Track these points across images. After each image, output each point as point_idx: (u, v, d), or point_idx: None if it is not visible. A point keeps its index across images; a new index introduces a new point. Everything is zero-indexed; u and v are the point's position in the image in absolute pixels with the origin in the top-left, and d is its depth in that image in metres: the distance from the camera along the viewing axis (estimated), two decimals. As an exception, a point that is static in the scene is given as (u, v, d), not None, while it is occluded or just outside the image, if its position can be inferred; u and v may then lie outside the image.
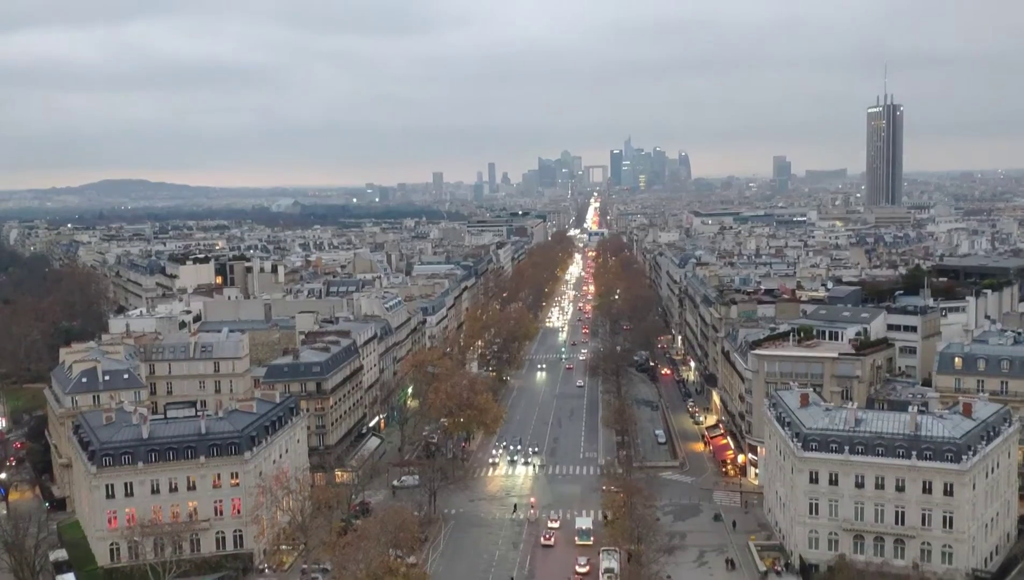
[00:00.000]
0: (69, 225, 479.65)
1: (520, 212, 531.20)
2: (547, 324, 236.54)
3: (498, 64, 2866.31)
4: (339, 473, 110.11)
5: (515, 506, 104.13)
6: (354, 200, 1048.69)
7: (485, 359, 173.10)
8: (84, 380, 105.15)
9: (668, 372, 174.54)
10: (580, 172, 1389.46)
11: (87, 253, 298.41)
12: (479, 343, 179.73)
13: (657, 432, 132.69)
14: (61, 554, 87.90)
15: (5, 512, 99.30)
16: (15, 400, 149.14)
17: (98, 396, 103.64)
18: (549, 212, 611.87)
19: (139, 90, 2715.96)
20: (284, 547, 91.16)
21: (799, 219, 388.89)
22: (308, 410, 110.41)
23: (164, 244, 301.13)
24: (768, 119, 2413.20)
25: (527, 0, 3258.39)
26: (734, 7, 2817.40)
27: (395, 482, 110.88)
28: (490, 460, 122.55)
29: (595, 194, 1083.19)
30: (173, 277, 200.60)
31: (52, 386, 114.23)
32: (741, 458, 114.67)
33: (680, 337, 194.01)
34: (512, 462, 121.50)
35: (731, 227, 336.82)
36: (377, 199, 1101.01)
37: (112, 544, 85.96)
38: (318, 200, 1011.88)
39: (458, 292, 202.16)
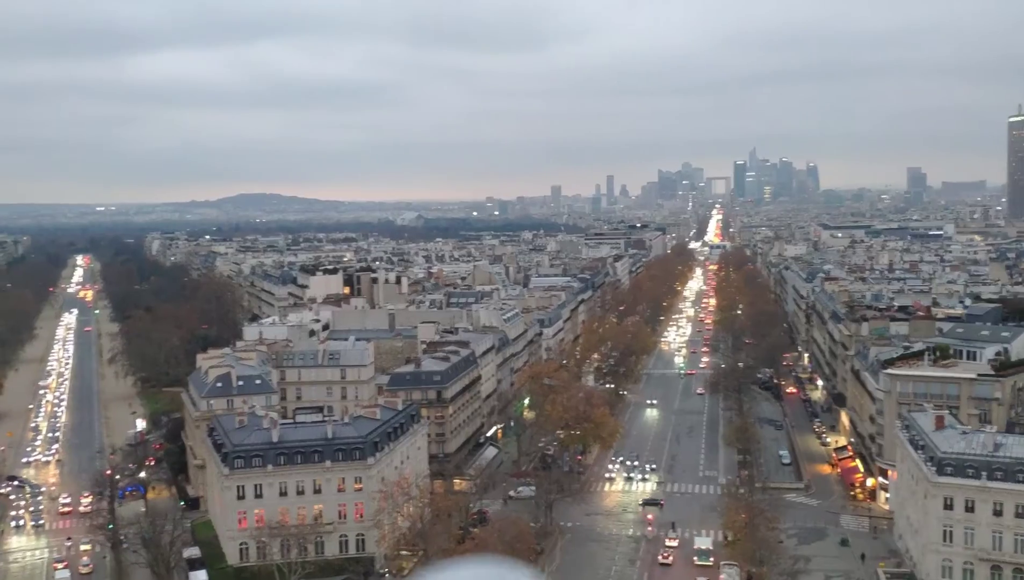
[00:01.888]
0: (207, 237, 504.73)
1: (639, 225, 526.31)
2: (666, 338, 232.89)
3: (616, 77, 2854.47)
4: (457, 481, 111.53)
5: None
6: (474, 213, 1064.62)
7: (601, 373, 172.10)
8: (219, 385, 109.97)
9: (794, 391, 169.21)
10: (702, 184, 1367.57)
11: (223, 263, 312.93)
12: (595, 356, 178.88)
13: (781, 452, 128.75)
14: (194, 552, 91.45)
15: (144, 510, 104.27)
16: (154, 403, 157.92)
17: (232, 400, 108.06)
18: (669, 224, 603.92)
19: (268, 108, 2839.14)
20: (404, 552, 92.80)
21: (935, 233, 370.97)
22: (428, 418, 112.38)
23: (296, 255, 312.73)
24: (901, 129, 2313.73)
25: (644, 12, 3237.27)
26: (859, 14, 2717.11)
27: (512, 492, 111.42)
28: (606, 474, 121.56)
29: (717, 206, 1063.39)
30: (304, 287, 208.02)
31: (189, 390, 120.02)
32: (870, 481, 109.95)
33: (807, 354, 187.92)
34: (629, 478, 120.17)
35: (862, 241, 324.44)
36: (496, 212, 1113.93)
37: (241, 544, 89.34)
38: (440, 213, 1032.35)
39: (575, 305, 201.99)
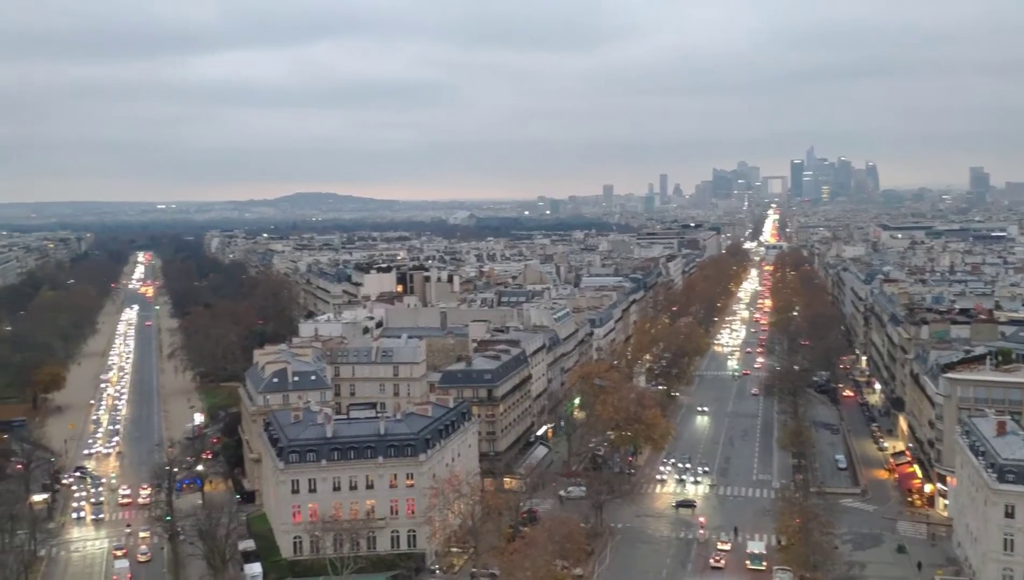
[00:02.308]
0: (264, 235, 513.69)
1: (692, 224, 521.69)
2: (719, 341, 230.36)
3: (668, 75, 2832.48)
4: (508, 480, 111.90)
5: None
6: (526, 213, 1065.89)
7: (653, 374, 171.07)
8: (275, 380, 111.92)
9: (851, 394, 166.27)
10: (757, 183, 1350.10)
11: (280, 261, 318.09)
12: (647, 357, 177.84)
13: (837, 457, 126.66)
14: (249, 544, 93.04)
15: (201, 502, 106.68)
16: (212, 397, 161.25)
17: (287, 395, 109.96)
18: (723, 224, 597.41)
19: (325, 108, 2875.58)
20: (455, 549, 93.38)
21: (998, 234, 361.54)
22: (479, 416, 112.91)
23: (350, 254, 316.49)
24: (963, 128, 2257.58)
25: (696, 11, 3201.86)
26: (916, 11, 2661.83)
27: (562, 492, 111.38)
28: (658, 476, 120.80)
29: (773, 206, 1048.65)
30: (358, 285, 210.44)
31: (246, 385, 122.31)
32: (929, 488, 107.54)
33: (864, 358, 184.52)
34: (681, 480, 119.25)
35: (923, 242, 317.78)
36: (548, 212, 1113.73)
37: (295, 537, 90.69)
38: (492, 213, 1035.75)
39: (626, 305, 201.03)
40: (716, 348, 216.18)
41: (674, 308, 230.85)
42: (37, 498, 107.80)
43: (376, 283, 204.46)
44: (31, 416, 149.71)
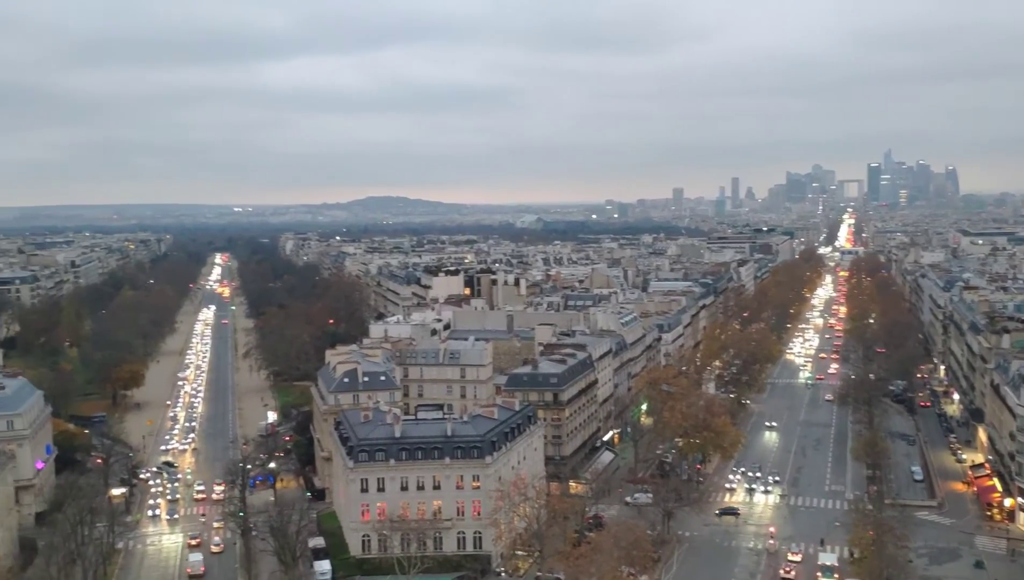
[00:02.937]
0: (337, 238, 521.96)
1: (765, 228, 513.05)
2: (791, 347, 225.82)
3: (739, 77, 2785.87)
4: (573, 484, 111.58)
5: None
6: (593, 216, 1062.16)
7: (723, 380, 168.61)
8: (346, 380, 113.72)
9: (927, 404, 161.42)
10: (832, 187, 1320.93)
11: (352, 263, 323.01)
12: (717, 363, 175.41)
13: (913, 468, 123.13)
14: (319, 542, 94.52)
15: (272, 499, 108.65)
16: (286, 396, 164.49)
17: (357, 395, 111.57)
18: (797, 229, 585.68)
19: (396, 113, 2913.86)
20: (520, 553, 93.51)
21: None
22: (545, 420, 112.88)
23: (420, 256, 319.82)
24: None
25: (767, 12, 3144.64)
26: (997, 11, 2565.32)
27: (628, 498, 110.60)
28: (727, 485, 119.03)
29: (849, 210, 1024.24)
30: (427, 287, 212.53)
31: (318, 384, 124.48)
32: (1009, 502, 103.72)
33: (943, 367, 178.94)
34: (750, 489, 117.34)
35: (1005, 248, 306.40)
36: (616, 215, 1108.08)
37: (364, 536, 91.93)
38: (559, 216, 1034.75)
39: (695, 310, 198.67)
40: (788, 357, 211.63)
41: (745, 314, 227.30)
42: (116, 492, 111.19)
43: (444, 286, 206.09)
44: (111, 412, 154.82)
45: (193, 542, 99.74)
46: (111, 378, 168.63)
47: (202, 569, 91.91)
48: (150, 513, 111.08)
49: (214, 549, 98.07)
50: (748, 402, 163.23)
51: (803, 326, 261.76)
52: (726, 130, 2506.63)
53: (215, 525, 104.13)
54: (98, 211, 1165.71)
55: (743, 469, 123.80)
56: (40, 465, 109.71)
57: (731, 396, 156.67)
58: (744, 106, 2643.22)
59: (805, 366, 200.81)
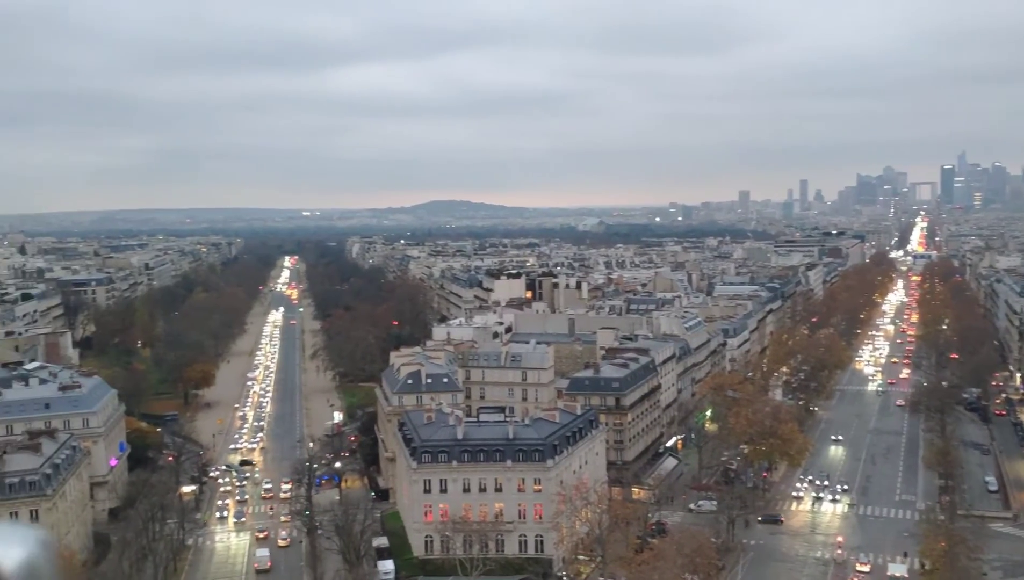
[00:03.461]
0: (402, 241, 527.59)
1: (834, 231, 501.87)
2: (860, 357, 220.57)
3: (807, 78, 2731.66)
4: (636, 490, 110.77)
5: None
6: (657, 219, 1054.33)
7: (790, 386, 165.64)
8: (409, 381, 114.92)
9: (1002, 413, 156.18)
10: (904, 189, 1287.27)
11: (416, 266, 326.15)
12: (784, 369, 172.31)
13: (987, 478, 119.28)
14: (382, 541, 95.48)
15: (338, 498, 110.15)
16: (351, 397, 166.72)
17: (421, 397, 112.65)
18: (867, 232, 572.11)
19: (461, 117, 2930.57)
20: (581, 557, 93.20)
21: None
22: (607, 424, 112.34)
23: (482, 260, 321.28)
24: None
25: (834, 12, 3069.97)
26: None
27: (692, 505, 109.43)
28: (793, 493, 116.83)
29: (921, 213, 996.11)
30: (489, 290, 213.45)
31: (382, 385, 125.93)
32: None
33: (1019, 374, 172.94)
34: (818, 497, 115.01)
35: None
36: (680, 218, 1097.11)
37: (427, 536, 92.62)
38: (622, 219, 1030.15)
39: (762, 314, 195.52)
40: (857, 365, 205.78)
41: (814, 319, 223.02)
42: (186, 489, 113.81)
43: (506, 289, 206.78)
44: (182, 411, 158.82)
45: (260, 535, 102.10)
46: (183, 378, 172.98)
47: (268, 564, 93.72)
48: (218, 515, 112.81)
49: (281, 543, 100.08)
50: (816, 409, 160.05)
51: (873, 333, 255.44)
52: (794, 131, 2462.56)
53: (282, 519, 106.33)
54: (172, 215, 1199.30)
55: (810, 477, 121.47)
56: (114, 462, 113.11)
57: (798, 403, 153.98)
58: (813, 107, 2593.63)
59: (875, 375, 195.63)
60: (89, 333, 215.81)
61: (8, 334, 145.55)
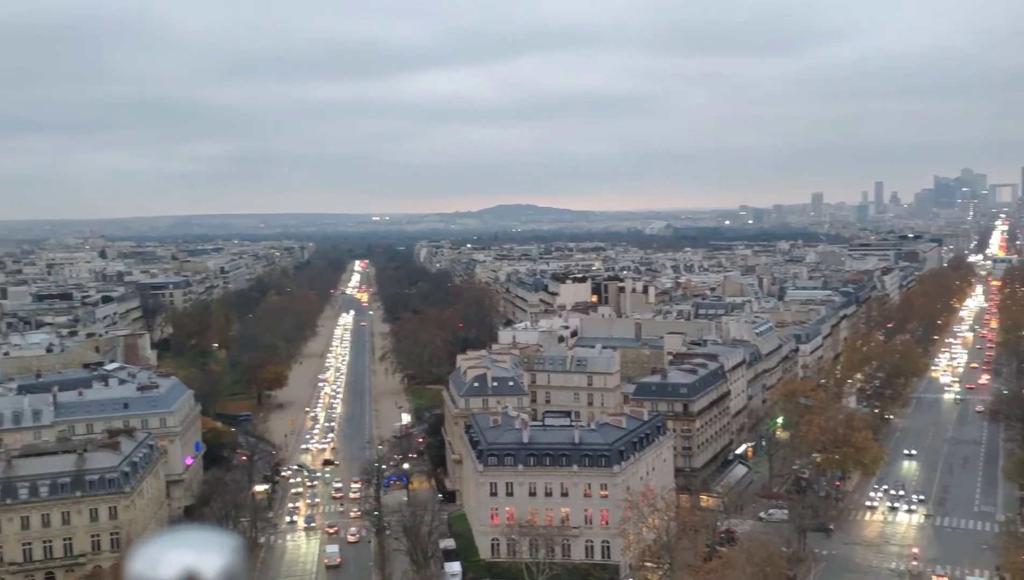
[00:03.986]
0: (468, 245, 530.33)
1: (910, 235, 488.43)
2: (938, 363, 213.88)
3: (882, 77, 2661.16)
4: (704, 497, 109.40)
5: None
6: (726, 222, 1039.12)
7: (865, 394, 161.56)
8: (476, 384, 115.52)
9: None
10: (984, 191, 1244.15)
11: (482, 270, 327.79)
12: (858, 376, 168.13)
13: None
14: (449, 543, 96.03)
15: (406, 499, 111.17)
16: (419, 399, 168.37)
17: (487, 400, 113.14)
18: (945, 235, 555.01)
19: (527, 122, 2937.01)
20: (649, 564, 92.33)
21: None
22: (674, 430, 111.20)
23: (547, 264, 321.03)
24: None
25: (911, 9, 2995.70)
26: None
27: (762, 514, 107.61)
28: (867, 503, 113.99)
29: (1002, 216, 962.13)
30: (554, 294, 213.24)
31: (449, 388, 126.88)
32: None
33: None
34: (893, 508, 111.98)
35: None
36: (750, 221, 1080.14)
37: (493, 539, 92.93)
38: (690, 222, 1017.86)
39: (835, 320, 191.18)
40: (933, 374, 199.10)
41: (889, 325, 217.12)
42: (259, 488, 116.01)
43: (571, 293, 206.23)
44: (256, 411, 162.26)
45: (331, 531, 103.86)
46: (256, 379, 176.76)
47: (338, 560, 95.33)
48: (288, 519, 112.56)
49: (350, 539, 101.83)
50: (891, 417, 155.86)
51: (951, 339, 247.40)
52: (868, 132, 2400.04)
53: (352, 514, 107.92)
54: (246, 220, 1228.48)
55: (885, 487, 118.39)
56: (190, 461, 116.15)
57: (873, 410, 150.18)
58: (887, 107, 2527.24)
59: (952, 384, 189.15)
60: (167, 335, 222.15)
61: (89, 335, 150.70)
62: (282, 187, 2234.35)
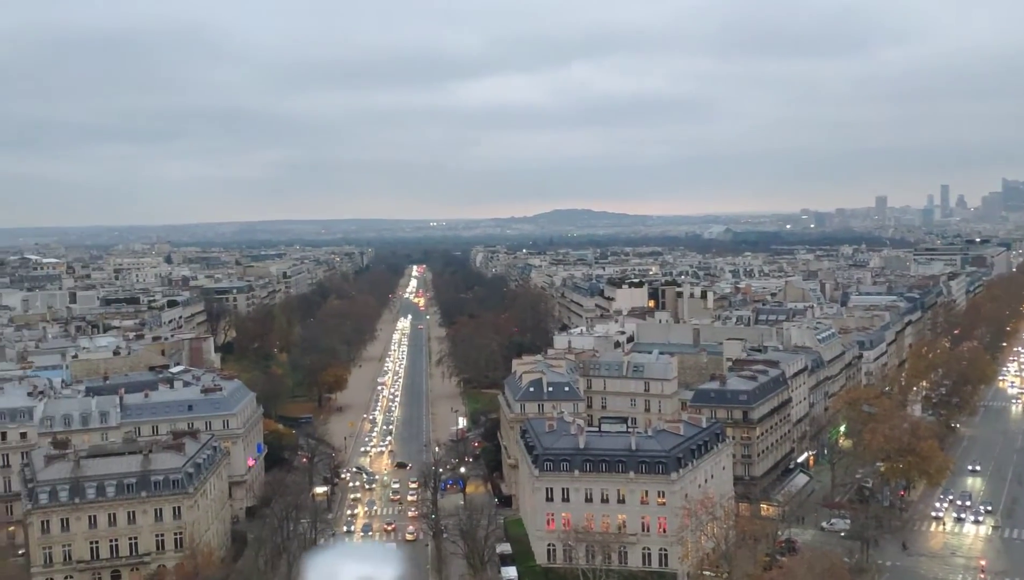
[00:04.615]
0: (524, 250, 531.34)
1: (978, 239, 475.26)
2: (1007, 368, 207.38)
3: (947, 79, 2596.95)
4: (764, 506, 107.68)
5: None
6: (787, 226, 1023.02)
7: (930, 402, 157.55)
8: (531, 389, 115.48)
9: None
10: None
11: (538, 275, 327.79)
12: (923, 384, 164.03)
13: None
14: (506, 548, 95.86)
15: (462, 503, 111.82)
16: (475, 403, 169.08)
17: (542, 405, 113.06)
18: (1015, 240, 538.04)
19: (582, 127, 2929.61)
20: (707, 573, 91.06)
21: None
22: (733, 438, 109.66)
23: (603, 269, 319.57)
24: None
25: (976, 9, 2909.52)
26: None
27: (824, 524, 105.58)
28: (932, 513, 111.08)
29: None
30: (610, 299, 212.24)
31: (505, 392, 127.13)
32: None
33: None
34: (959, 519, 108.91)
35: None
36: (812, 225, 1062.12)
37: (549, 545, 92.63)
38: (750, 226, 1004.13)
39: (900, 326, 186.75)
40: (1001, 384, 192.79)
41: (956, 331, 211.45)
42: (319, 490, 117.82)
43: (628, 298, 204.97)
44: (316, 414, 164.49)
45: (388, 528, 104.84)
46: (317, 382, 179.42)
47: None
48: (346, 528, 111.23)
49: (408, 537, 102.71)
50: (958, 426, 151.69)
51: (1020, 347, 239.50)
52: (934, 134, 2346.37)
53: (410, 514, 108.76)
54: (308, 226, 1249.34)
55: (951, 497, 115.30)
56: (251, 462, 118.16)
57: (939, 419, 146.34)
58: (953, 108, 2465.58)
59: (1022, 392, 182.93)
60: (230, 338, 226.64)
61: (155, 339, 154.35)
62: (343, 193, 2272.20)
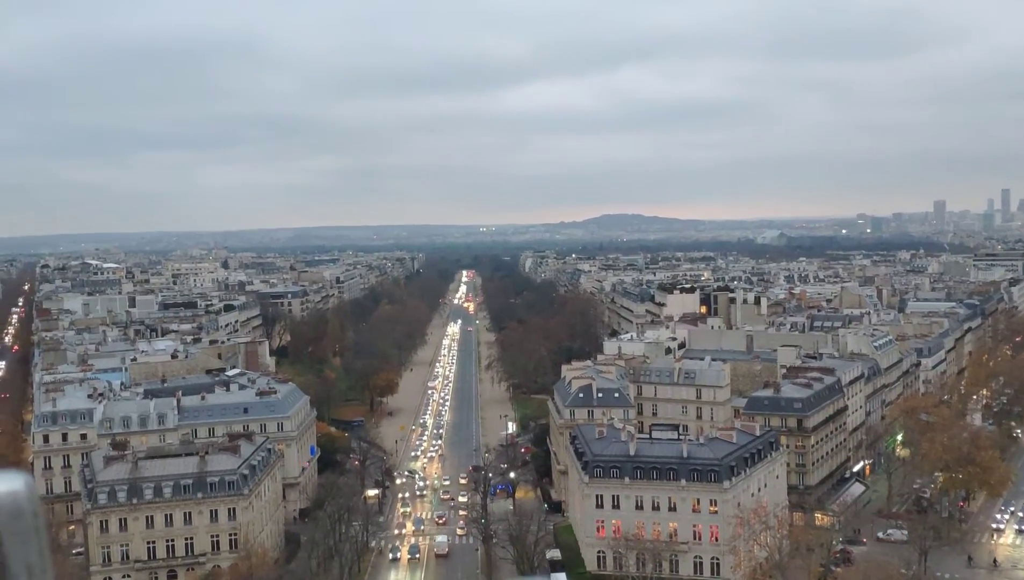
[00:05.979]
0: (573, 255, 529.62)
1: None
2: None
3: (1005, 79, 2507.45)
4: (819, 516, 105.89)
5: None
6: (843, 231, 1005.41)
7: (991, 411, 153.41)
8: (581, 395, 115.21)
9: None
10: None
11: (587, 280, 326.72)
12: (984, 392, 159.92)
13: None
14: (555, 554, 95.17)
15: (511, 508, 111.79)
16: (524, 408, 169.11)
17: (592, 411, 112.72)
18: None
19: (631, 131, 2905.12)
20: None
21: None
22: (788, 446, 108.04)
23: (654, 274, 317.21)
24: None
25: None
26: None
27: (880, 534, 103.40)
28: (993, 525, 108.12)
29: None
30: (661, 305, 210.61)
31: (554, 398, 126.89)
32: None
33: None
34: (1021, 531, 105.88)
35: None
36: (868, 230, 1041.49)
37: (599, 552, 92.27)
38: (804, 231, 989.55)
39: (960, 333, 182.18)
40: None
41: (1017, 339, 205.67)
42: (371, 493, 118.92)
43: (679, 303, 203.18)
44: (368, 417, 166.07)
45: (440, 521, 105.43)
46: (369, 385, 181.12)
47: (447, 550, 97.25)
48: (397, 531, 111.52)
49: (459, 531, 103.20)
50: (1020, 435, 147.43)
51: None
52: (993, 137, 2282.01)
53: (461, 512, 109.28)
54: (360, 232, 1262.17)
55: (1012, 508, 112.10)
56: (305, 465, 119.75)
57: (1000, 428, 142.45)
58: (1013, 110, 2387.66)
59: None
60: (285, 342, 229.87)
61: (212, 342, 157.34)
62: (394, 199, 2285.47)
